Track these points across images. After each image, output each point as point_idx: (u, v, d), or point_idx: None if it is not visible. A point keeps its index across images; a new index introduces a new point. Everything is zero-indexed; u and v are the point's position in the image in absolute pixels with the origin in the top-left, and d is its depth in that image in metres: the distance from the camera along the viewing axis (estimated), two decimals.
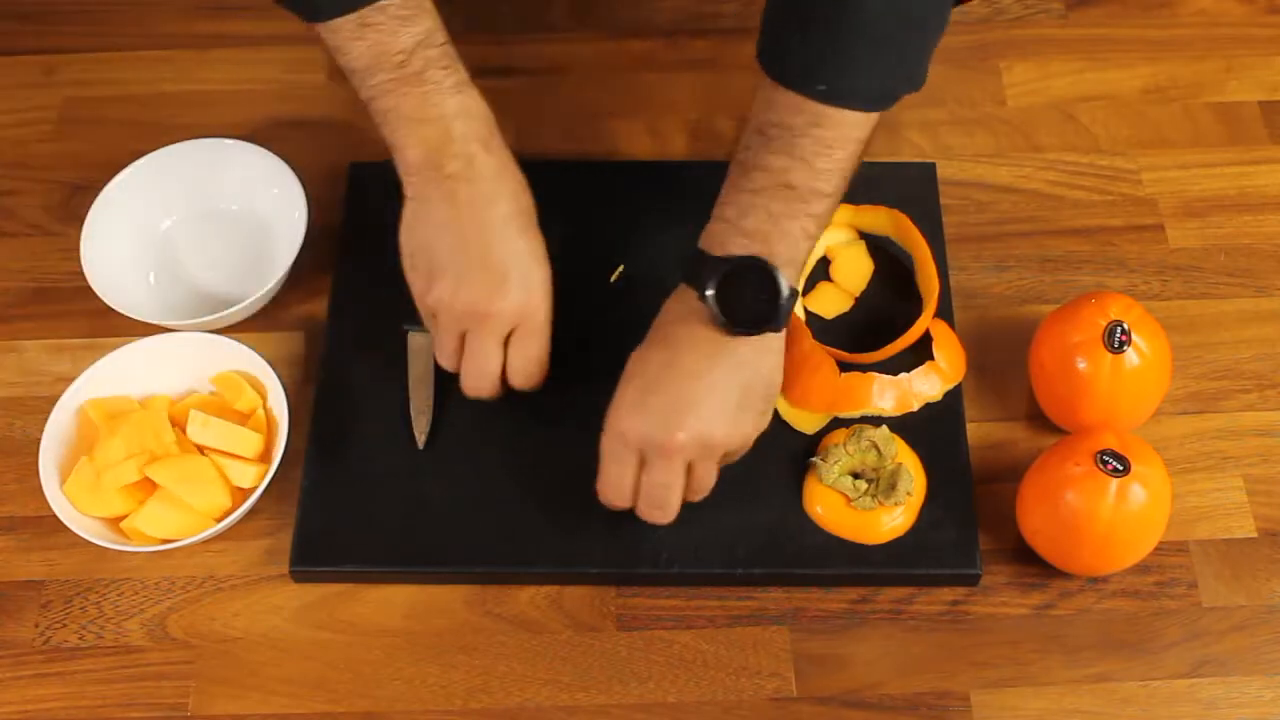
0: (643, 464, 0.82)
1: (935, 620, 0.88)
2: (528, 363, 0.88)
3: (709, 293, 0.80)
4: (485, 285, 0.85)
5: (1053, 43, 1.12)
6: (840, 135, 0.80)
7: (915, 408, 0.92)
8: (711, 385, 0.81)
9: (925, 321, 0.94)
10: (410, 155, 0.85)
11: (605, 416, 0.83)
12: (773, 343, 0.83)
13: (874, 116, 0.81)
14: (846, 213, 0.99)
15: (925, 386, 0.92)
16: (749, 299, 0.80)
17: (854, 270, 0.98)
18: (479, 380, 0.88)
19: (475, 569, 0.89)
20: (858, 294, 0.98)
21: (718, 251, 0.81)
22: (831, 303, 0.97)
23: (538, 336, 0.87)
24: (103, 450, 0.89)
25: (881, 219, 0.98)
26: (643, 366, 0.83)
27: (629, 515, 0.89)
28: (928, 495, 0.90)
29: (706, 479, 0.84)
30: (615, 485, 0.83)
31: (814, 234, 0.82)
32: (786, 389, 0.92)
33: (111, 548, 0.88)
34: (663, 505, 0.83)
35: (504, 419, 0.93)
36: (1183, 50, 1.11)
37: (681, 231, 0.99)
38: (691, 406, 0.80)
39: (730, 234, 0.81)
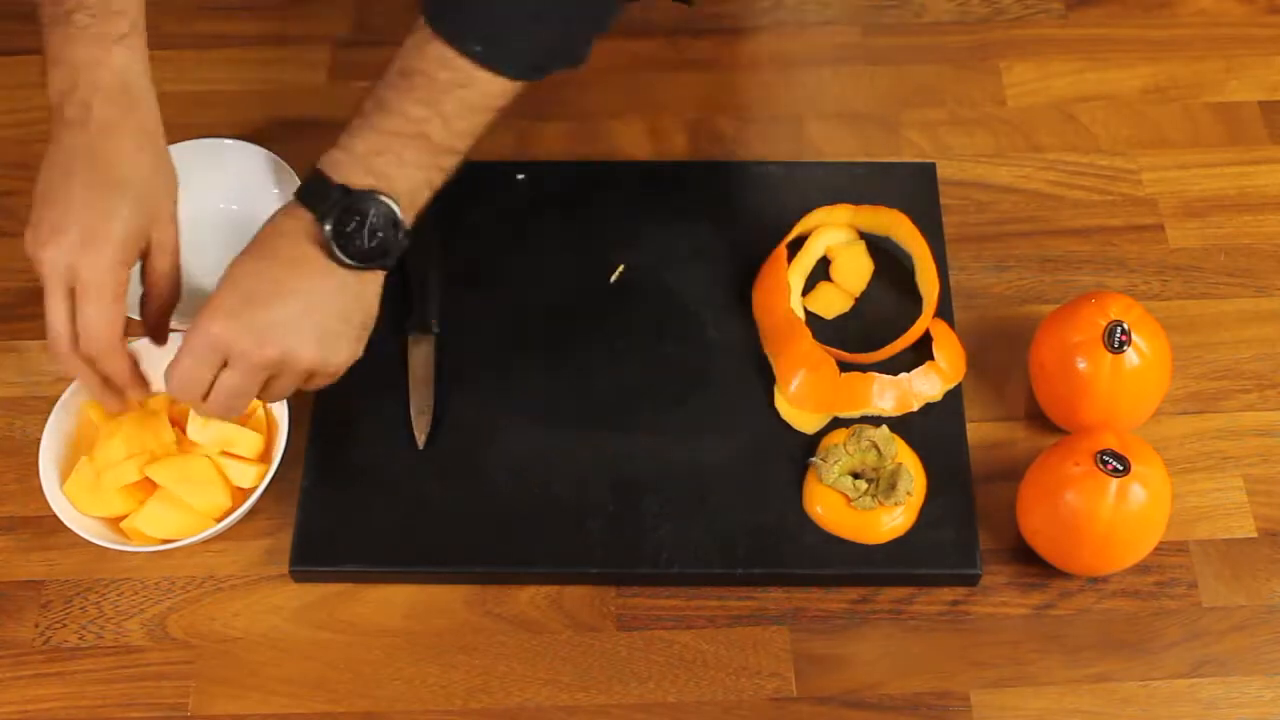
0: (224, 365, 0.81)
1: (935, 620, 0.88)
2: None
3: (328, 227, 0.79)
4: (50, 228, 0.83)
5: (1053, 43, 1.12)
6: (484, 101, 0.81)
7: (915, 408, 0.92)
8: (310, 308, 0.80)
9: (925, 321, 0.94)
10: (49, 93, 0.85)
11: (198, 315, 0.80)
12: (378, 275, 0.83)
13: (520, 86, 0.81)
14: (846, 213, 0.99)
15: (925, 386, 0.92)
16: (365, 234, 0.79)
17: (854, 270, 0.98)
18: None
19: (475, 569, 0.89)
20: (858, 294, 0.98)
21: (339, 179, 0.80)
22: (831, 303, 0.97)
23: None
24: (103, 450, 0.90)
25: (881, 219, 0.98)
26: (245, 276, 0.80)
27: (629, 515, 0.89)
28: (928, 495, 0.90)
29: (283, 391, 0.83)
30: (189, 381, 0.81)
31: (438, 184, 0.83)
32: (786, 389, 0.93)
33: (111, 548, 0.88)
34: (231, 409, 0.82)
35: (504, 419, 0.93)
36: (1183, 50, 1.11)
37: (681, 231, 1.00)
38: (286, 325, 0.79)
39: (357, 168, 0.80)
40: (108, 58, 0.85)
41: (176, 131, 1.05)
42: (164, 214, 0.85)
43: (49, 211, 0.83)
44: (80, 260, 0.82)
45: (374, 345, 0.96)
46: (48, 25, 0.85)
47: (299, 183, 0.99)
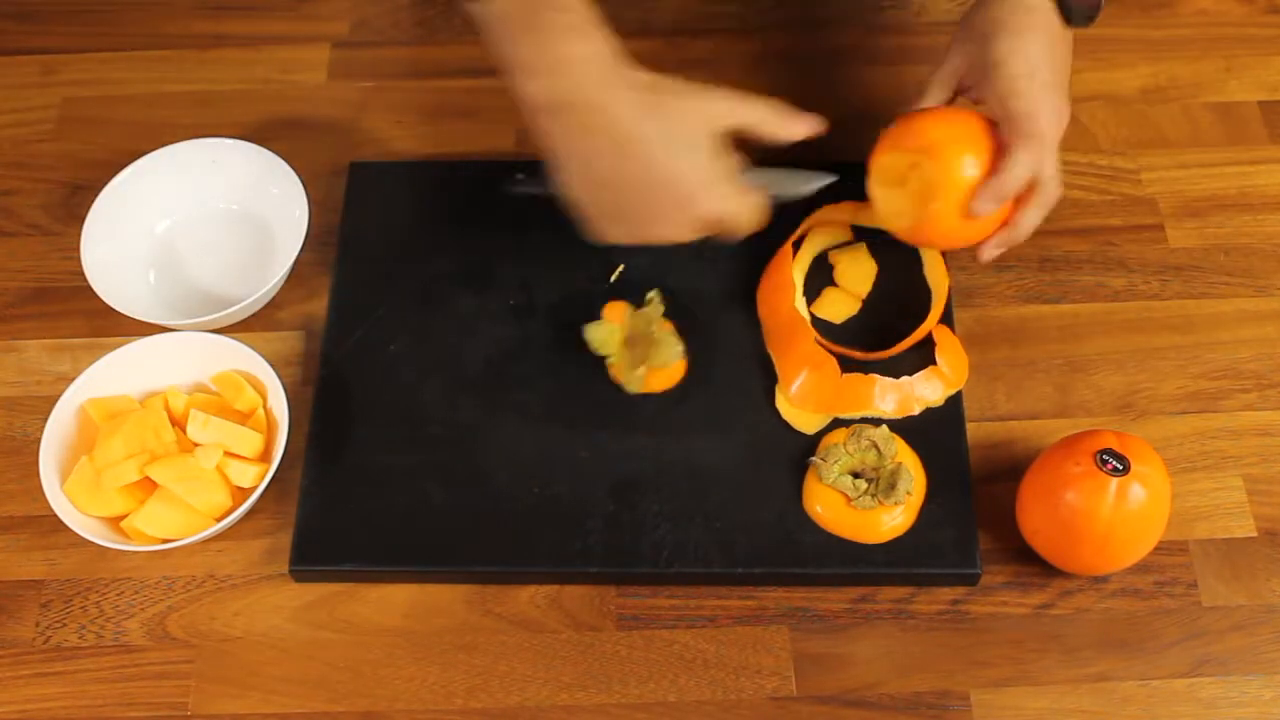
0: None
1: (935, 620, 0.88)
2: None
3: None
4: None
5: None
6: None
7: (916, 411, 0.92)
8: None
9: (935, 316, 0.94)
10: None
11: (1016, 109, 0.85)
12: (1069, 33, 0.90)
13: None
14: (851, 210, 0.98)
15: (927, 391, 0.92)
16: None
17: (858, 273, 0.98)
18: None
19: (475, 569, 0.89)
20: (863, 296, 0.98)
21: None
22: (838, 307, 0.97)
23: None
24: (103, 450, 0.90)
25: None
26: (1031, 60, 0.86)
27: (629, 515, 0.89)
28: (928, 495, 0.90)
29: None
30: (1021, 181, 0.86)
31: None
32: (788, 389, 0.93)
33: (111, 547, 0.88)
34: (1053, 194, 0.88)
35: (504, 419, 0.93)
36: (1183, 50, 1.11)
37: None
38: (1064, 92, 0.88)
39: None
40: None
41: (176, 131, 1.06)
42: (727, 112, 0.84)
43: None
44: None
45: (374, 345, 0.97)
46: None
47: (299, 182, 1.00)
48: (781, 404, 0.93)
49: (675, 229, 0.84)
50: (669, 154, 0.81)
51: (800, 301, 0.96)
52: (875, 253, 0.99)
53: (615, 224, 0.85)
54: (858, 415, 0.92)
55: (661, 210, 0.83)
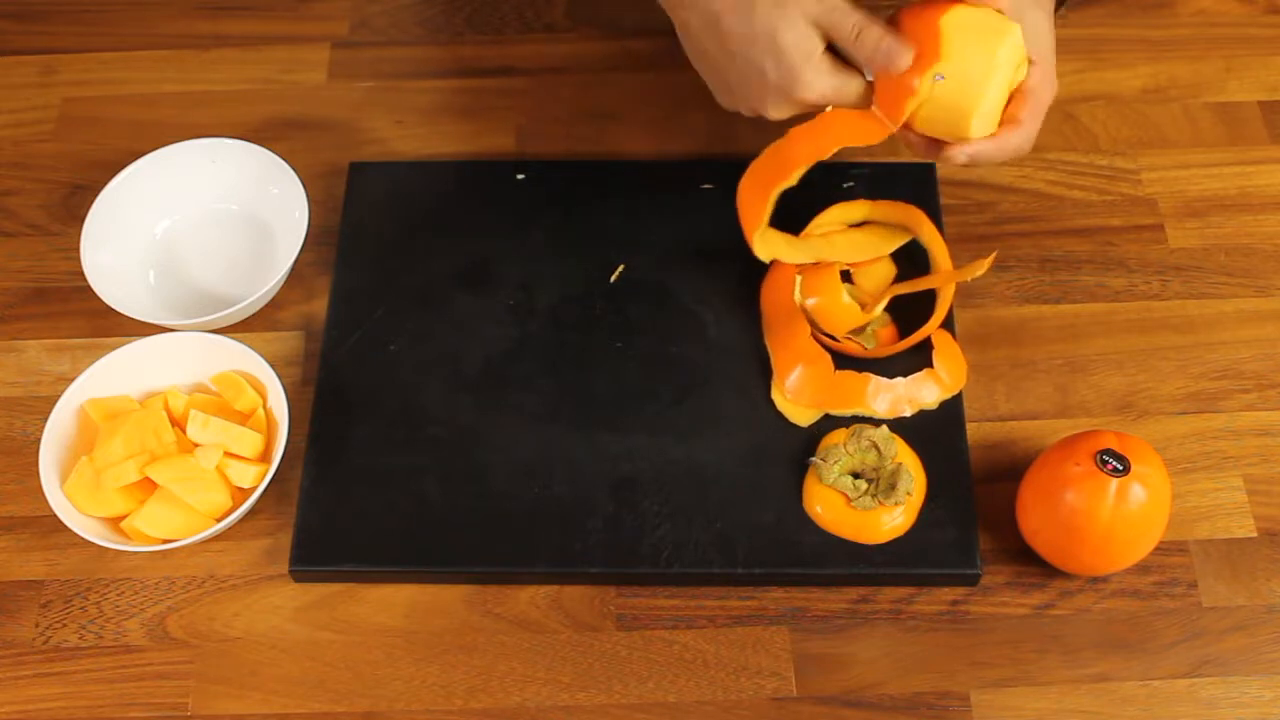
0: None
1: (935, 620, 0.88)
2: None
3: None
4: None
5: None
6: None
7: (908, 413, 0.92)
8: None
9: (937, 320, 0.93)
10: None
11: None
12: None
13: None
14: (863, 208, 0.98)
15: (921, 393, 0.92)
16: None
17: (875, 273, 0.98)
18: None
19: (475, 569, 0.89)
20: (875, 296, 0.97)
21: None
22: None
23: None
24: (103, 450, 0.90)
25: (897, 214, 0.98)
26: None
27: (629, 515, 0.89)
28: (928, 495, 0.90)
29: None
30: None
31: None
32: (782, 382, 0.93)
33: (111, 547, 0.88)
34: None
35: (504, 419, 0.93)
36: (1183, 50, 1.11)
37: (682, 231, 1.00)
38: None
39: None
40: None
41: (176, 131, 1.06)
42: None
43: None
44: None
45: (374, 345, 0.97)
46: None
47: (299, 182, 1.00)
48: (777, 397, 0.93)
49: (776, 108, 0.86)
50: (752, 31, 0.84)
51: (800, 296, 0.96)
52: (895, 255, 0.98)
53: (728, 95, 0.89)
54: (850, 412, 0.92)
55: (761, 89, 0.85)
